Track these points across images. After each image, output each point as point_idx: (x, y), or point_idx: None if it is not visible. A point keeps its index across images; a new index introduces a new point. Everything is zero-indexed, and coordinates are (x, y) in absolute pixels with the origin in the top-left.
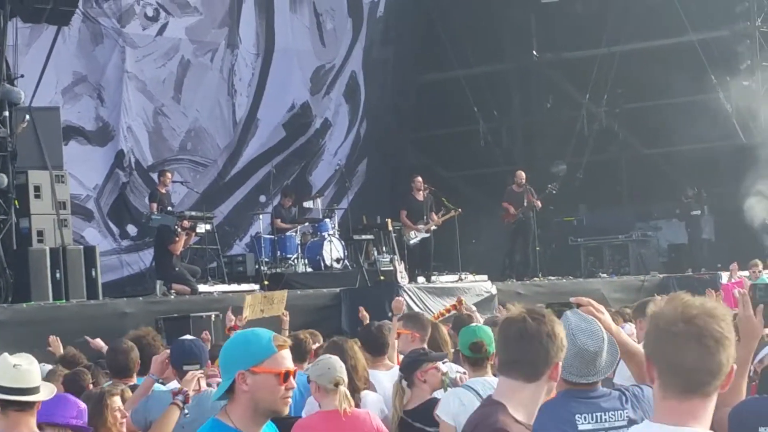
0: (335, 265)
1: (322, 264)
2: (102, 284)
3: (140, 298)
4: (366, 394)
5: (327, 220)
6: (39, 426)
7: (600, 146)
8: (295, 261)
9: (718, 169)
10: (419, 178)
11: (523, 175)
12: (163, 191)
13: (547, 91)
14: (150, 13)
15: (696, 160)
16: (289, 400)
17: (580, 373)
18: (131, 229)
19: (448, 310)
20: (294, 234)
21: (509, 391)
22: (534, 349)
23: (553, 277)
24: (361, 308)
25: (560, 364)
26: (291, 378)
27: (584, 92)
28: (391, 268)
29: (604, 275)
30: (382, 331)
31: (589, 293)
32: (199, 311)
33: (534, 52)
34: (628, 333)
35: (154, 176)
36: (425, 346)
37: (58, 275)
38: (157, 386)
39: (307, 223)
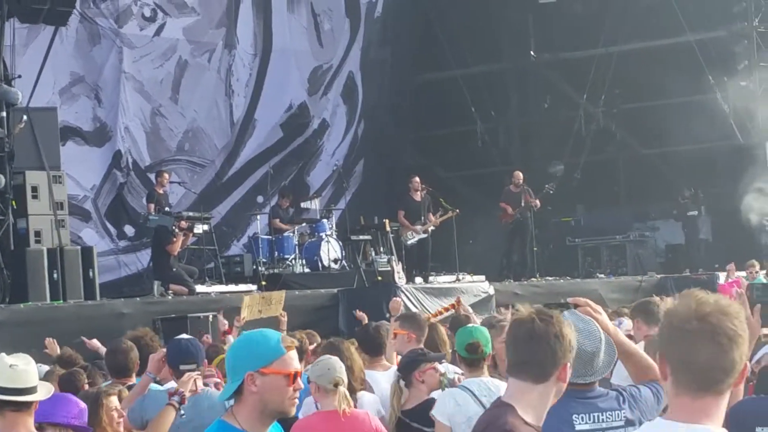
0: (333, 265)
1: (320, 264)
2: (99, 285)
3: (138, 299)
4: (362, 395)
5: (324, 220)
6: (40, 426)
7: (597, 146)
8: (293, 261)
9: (715, 170)
10: (417, 179)
11: (521, 175)
12: (161, 192)
13: (544, 92)
14: (147, 13)
15: (693, 160)
16: (297, 401)
17: (578, 374)
18: (129, 230)
19: (447, 309)
20: (291, 234)
21: (518, 392)
22: (542, 350)
23: (550, 278)
24: (357, 311)
25: (568, 365)
26: (299, 379)
27: (582, 92)
28: (389, 268)
29: (602, 275)
30: (379, 332)
31: (586, 293)
32: (196, 312)
33: (531, 53)
34: (626, 329)
35: (152, 177)
36: (422, 346)
37: (55, 276)
38: (154, 386)
39: (304, 224)
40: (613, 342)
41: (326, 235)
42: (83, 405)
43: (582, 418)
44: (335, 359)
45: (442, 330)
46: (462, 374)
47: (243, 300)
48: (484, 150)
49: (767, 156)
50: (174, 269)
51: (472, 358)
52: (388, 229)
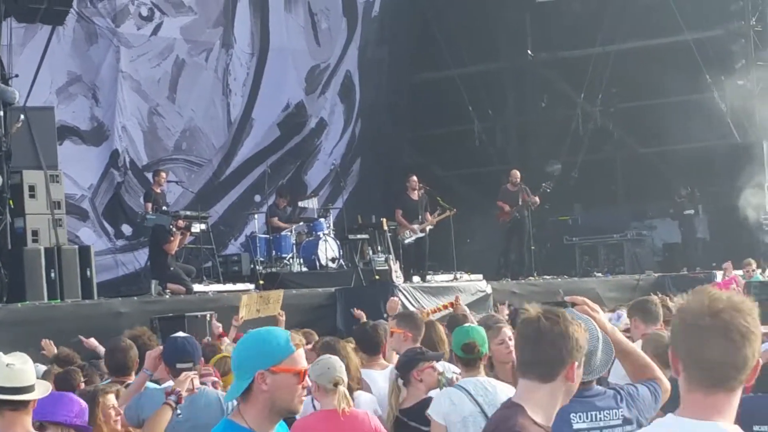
0: (330, 264)
1: (318, 263)
2: (97, 284)
3: (135, 298)
4: (359, 395)
5: (322, 219)
6: (41, 425)
7: (595, 145)
8: (291, 260)
9: (713, 169)
10: (414, 178)
11: (518, 174)
12: (158, 191)
13: (542, 91)
14: (144, 12)
15: (691, 159)
16: (304, 398)
17: None
18: (126, 229)
19: (445, 307)
20: (289, 233)
21: (527, 392)
22: (547, 349)
23: (548, 277)
24: (355, 309)
25: (576, 364)
26: (307, 377)
27: (579, 91)
28: (387, 267)
29: (599, 274)
30: (377, 331)
31: (584, 292)
32: (194, 311)
33: (529, 52)
34: (624, 323)
35: (149, 176)
36: (419, 345)
37: (53, 275)
38: (151, 384)
39: (302, 223)
40: (611, 341)
41: (324, 234)
42: (84, 404)
43: (580, 416)
44: (335, 359)
45: (440, 328)
46: (460, 374)
47: (241, 299)
48: (481, 149)
49: (765, 155)
50: (171, 268)
51: (468, 358)
52: (385, 228)
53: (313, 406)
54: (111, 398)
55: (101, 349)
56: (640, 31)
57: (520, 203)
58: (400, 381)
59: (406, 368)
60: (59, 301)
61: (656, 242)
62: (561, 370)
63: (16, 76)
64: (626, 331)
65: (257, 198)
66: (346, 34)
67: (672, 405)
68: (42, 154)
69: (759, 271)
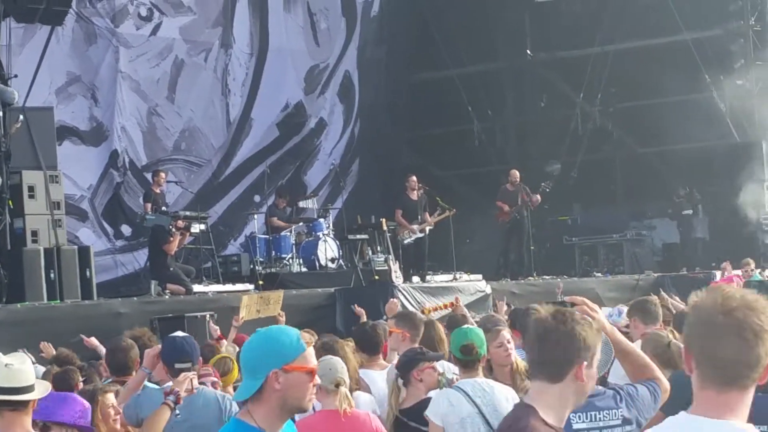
0: (330, 264)
1: (317, 264)
2: (96, 284)
3: (135, 299)
4: (358, 395)
5: (321, 219)
6: (45, 425)
7: (594, 145)
8: (290, 261)
9: (712, 168)
10: (414, 178)
11: (517, 174)
12: (158, 191)
13: (541, 91)
14: (144, 12)
15: (690, 159)
16: (314, 397)
17: None
18: (125, 229)
19: (445, 306)
20: (289, 234)
21: (537, 393)
22: (553, 349)
23: (547, 277)
24: (356, 305)
25: (585, 364)
26: (316, 375)
27: (578, 91)
28: (386, 267)
29: (599, 274)
30: (376, 331)
31: (583, 292)
32: (193, 311)
33: (528, 52)
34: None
35: (149, 176)
36: (417, 345)
37: (52, 275)
38: (150, 384)
39: (301, 223)
40: (610, 341)
41: (323, 235)
42: (87, 404)
43: (579, 416)
44: (336, 359)
45: (440, 328)
46: (459, 374)
47: (241, 300)
48: (480, 149)
49: (764, 154)
50: (171, 269)
51: (466, 360)
52: (385, 228)
53: (312, 407)
54: (110, 397)
55: (102, 349)
56: (639, 30)
57: (519, 203)
58: (400, 381)
59: (406, 368)
60: (59, 301)
61: (656, 242)
62: (569, 370)
63: (15, 76)
64: (626, 327)
65: (257, 198)
66: (345, 34)
67: (670, 405)
68: (41, 155)
69: (758, 270)
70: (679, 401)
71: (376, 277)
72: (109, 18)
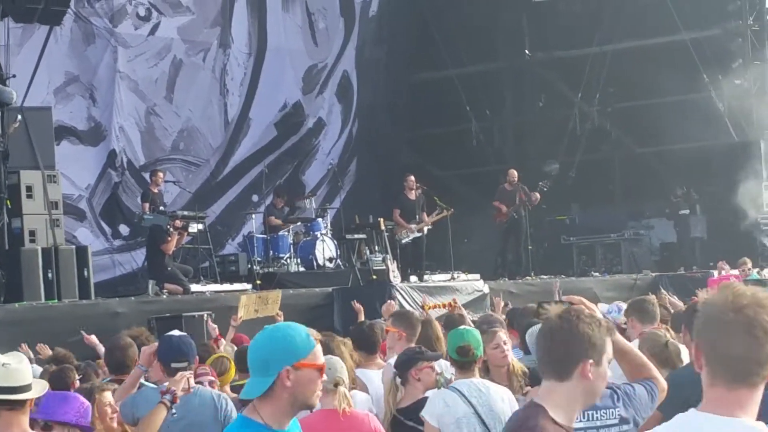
0: (328, 264)
1: (315, 263)
2: (94, 284)
3: (132, 298)
4: (354, 394)
5: (319, 219)
6: (46, 424)
7: (592, 145)
8: (288, 260)
9: (710, 168)
10: (412, 177)
11: (516, 173)
12: (156, 191)
13: (539, 90)
14: (142, 12)
15: (688, 158)
16: (320, 393)
17: None
18: (123, 229)
19: (444, 306)
20: (286, 233)
21: (546, 391)
22: (557, 348)
23: (545, 276)
24: (355, 301)
25: (591, 362)
26: (324, 372)
27: (576, 91)
28: (384, 267)
29: (597, 274)
30: (373, 330)
31: (581, 292)
32: (191, 311)
33: (526, 51)
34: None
35: (147, 176)
36: (413, 344)
37: (50, 275)
38: (149, 384)
39: (299, 223)
40: None
41: (321, 234)
42: (87, 404)
43: (577, 416)
44: (336, 359)
45: (437, 327)
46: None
47: (240, 299)
48: (479, 149)
49: (762, 154)
50: (169, 268)
51: (462, 361)
52: (383, 227)
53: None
54: (107, 396)
55: (101, 348)
56: (638, 30)
57: (517, 203)
58: (398, 379)
59: (404, 367)
60: (56, 301)
61: (653, 242)
62: (574, 369)
63: (14, 76)
64: (624, 325)
65: (255, 198)
66: (343, 34)
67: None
68: (39, 155)
69: (757, 270)
70: (676, 400)
71: (374, 277)
72: (108, 18)
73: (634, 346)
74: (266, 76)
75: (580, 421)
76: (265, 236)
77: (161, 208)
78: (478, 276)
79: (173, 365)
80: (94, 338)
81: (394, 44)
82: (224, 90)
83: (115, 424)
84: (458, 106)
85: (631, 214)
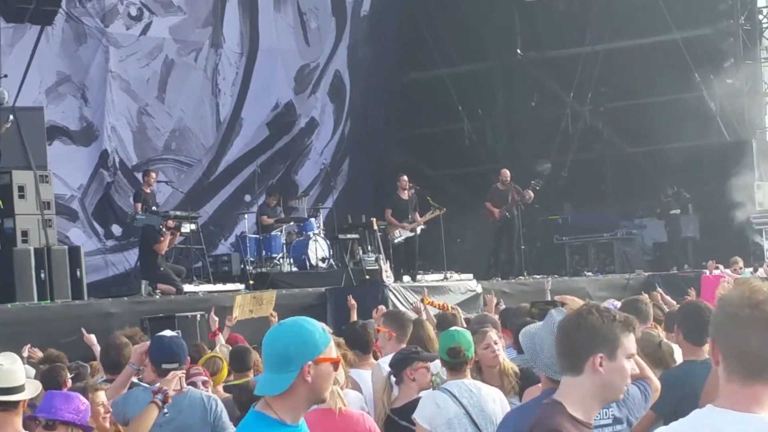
0: (320, 264)
1: (308, 263)
2: (87, 284)
3: (125, 298)
4: (347, 393)
5: (312, 219)
6: (48, 423)
7: (584, 145)
8: (281, 260)
9: (702, 168)
10: (405, 177)
11: (508, 173)
12: (148, 191)
13: (531, 90)
14: (133, 12)
15: (680, 158)
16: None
17: None
18: (116, 229)
19: (439, 306)
20: (279, 233)
21: (564, 387)
22: (567, 342)
23: (538, 276)
24: (350, 297)
25: (600, 356)
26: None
27: (568, 91)
28: (377, 267)
29: (589, 273)
30: (366, 330)
31: (574, 292)
32: (184, 311)
33: (518, 51)
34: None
35: (139, 176)
36: (404, 344)
37: (42, 275)
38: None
39: (292, 223)
40: None
41: (314, 234)
42: (87, 403)
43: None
44: None
45: (429, 327)
46: None
47: (235, 300)
48: (471, 148)
49: (754, 153)
50: (161, 268)
51: (453, 362)
52: (375, 227)
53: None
54: (101, 395)
55: (97, 348)
56: (629, 30)
57: (510, 202)
58: (393, 379)
59: (399, 366)
60: (49, 301)
61: (646, 241)
62: (584, 362)
63: (5, 76)
64: None
65: (247, 198)
66: (335, 34)
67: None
68: (31, 155)
69: (750, 269)
70: (669, 400)
71: (367, 277)
72: (99, 18)
73: None
74: (258, 76)
75: None
76: (258, 236)
77: (153, 208)
78: (471, 276)
79: (164, 366)
80: (93, 338)
81: (386, 44)
82: (216, 90)
83: (107, 424)
84: (450, 105)
85: (623, 214)
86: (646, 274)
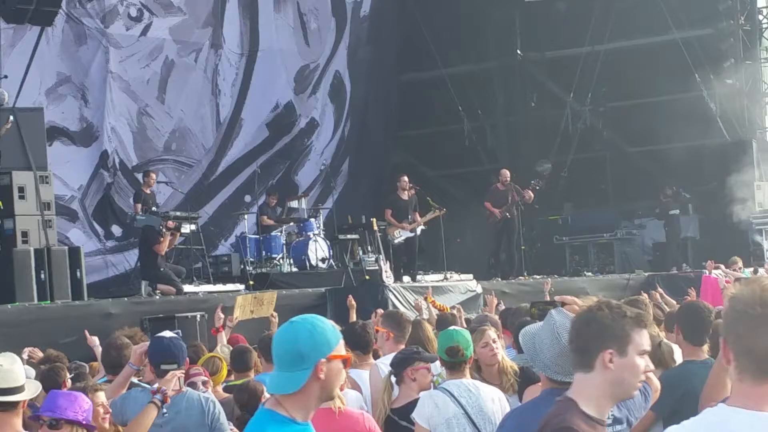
0: (320, 264)
1: (308, 264)
2: (87, 285)
3: (125, 299)
4: (345, 393)
5: (312, 219)
6: (52, 423)
7: (584, 145)
8: (281, 261)
9: (702, 168)
10: (405, 178)
11: (508, 173)
12: (148, 192)
13: (531, 90)
14: (134, 13)
15: (680, 158)
16: None
17: (565, 372)
18: (116, 230)
19: (440, 308)
20: (279, 234)
21: (577, 384)
22: (577, 338)
23: (538, 276)
24: (349, 297)
25: (611, 352)
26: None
27: (568, 91)
28: (377, 267)
29: (589, 274)
30: (366, 330)
31: (574, 292)
32: (184, 311)
33: (518, 51)
34: None
35: (139, 177)
36: (402, 345)
37: (42, 276)
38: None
39: (292, 223)
40: None
41: (314, 235)
42: (90, 403)
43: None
44: None
45: (428, 328)
46: None
47: (236, 300)
48: (471, 149)
49: (754, 153)
50: (161, 269)
51: (452, 362)
52: (375, 228)
53: None
54: (100, 396)
55: (99, 350)
56: (629, 30)
57: (510, 202)
58: (393, 378)
59: (400, 366)
60: (49, 302)
61: (646, 241)
62: (594, 359)
63: (5, 77)
64: None
65: (247, 198)
66: (334, 34)
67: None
68: (31, 155)
69: (750, 270)
70: (669, 400)
71: (367, 277)
72: (99, 18)
73: None
74: (258, 77)
75: None
76: (258, 237)
77: (153, 208)
78: (471, 276)
79: (163, 366)
80: (95, 340)
81: (386, 44)
82: (216, 90)
83: (107, 425)
84: (450, 106)
85: (623, 214)
86: (646, 274)
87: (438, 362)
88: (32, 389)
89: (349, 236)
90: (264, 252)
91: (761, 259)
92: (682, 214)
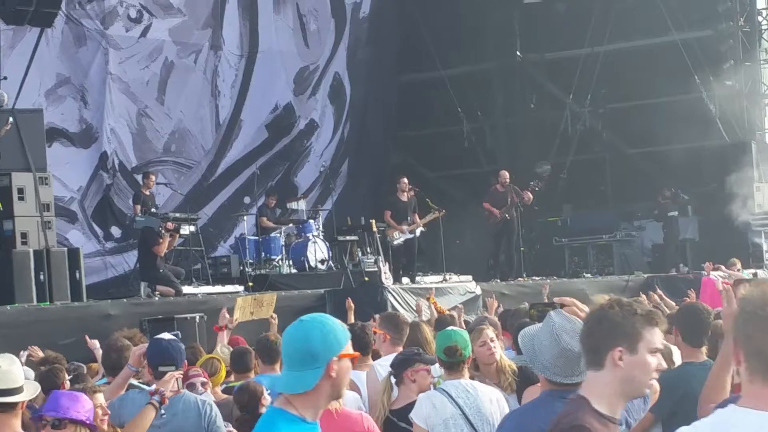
0: (320, 266)
1: (307, 265)
2: (86, 286)
3: (124, 300)
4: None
5: (311, 221)
6: (56, 422)
7: (584, 146)
8: (280, 262)
9: (701, 169)
10: (405, 179)
11: (507, 174)
12: (147, 193)
13: (530, 91)
14: (133, 14)
15: (680, 160)
16: None
17: (564, 374)
18: (115, 231)
19: (440, 310)
20: (278, 235)
21: (589, 383)
22: (585, 337)
23: (537, 278)
24: (348, 298)
25: (621, 349)
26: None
27: (568, 92)
28: (376, 268)
29: (589, 275)
30: (365, 332)
31: (573, 293)
32: (183, 313)
33: (517, 52)
34: None
35: (138, 178)
36: (400, 347)
37: (42, 277)
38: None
39: (291, 224)
40: None
41: (313, 236)
42: (92, 403)
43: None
44: None
45: (426, 330)
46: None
47: (236, 301)
48: (470, 150)
49: (753, 155)
50: (161, 270)
51: (450, 362)
52: (374, 229)
53: None
54: (99, 397)
55: (99, 352)
56: (629, 31)
57: (509, 204)
58: (393, 379)
59: (400, 367)
60: (48, 303)
61: (645, 243)
62: (604, 357)
63: (5, 78)
64: None
65: (246, 200)
66: (334, 36)
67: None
68: (31, 157)
69: (750, 271)
70: (668, 401)
71: (366, 279)
72: (99, 20)
73: None
74: (258, 78)
75: None
76: (257, 238)
77: (153, 210)
78: (470, 277)
79: (161, 369)
80: (96, 343)
81: (385, 45)
82: (216, 92)
83: (105, 426)
84: (450, 107)
85: (622, 216)
86: (646, 275)
87: (438, 364)
88: (31, 390)
89: (348, 238)
90: (263, 253)
91: (760, 260)
92: (681, 216)
